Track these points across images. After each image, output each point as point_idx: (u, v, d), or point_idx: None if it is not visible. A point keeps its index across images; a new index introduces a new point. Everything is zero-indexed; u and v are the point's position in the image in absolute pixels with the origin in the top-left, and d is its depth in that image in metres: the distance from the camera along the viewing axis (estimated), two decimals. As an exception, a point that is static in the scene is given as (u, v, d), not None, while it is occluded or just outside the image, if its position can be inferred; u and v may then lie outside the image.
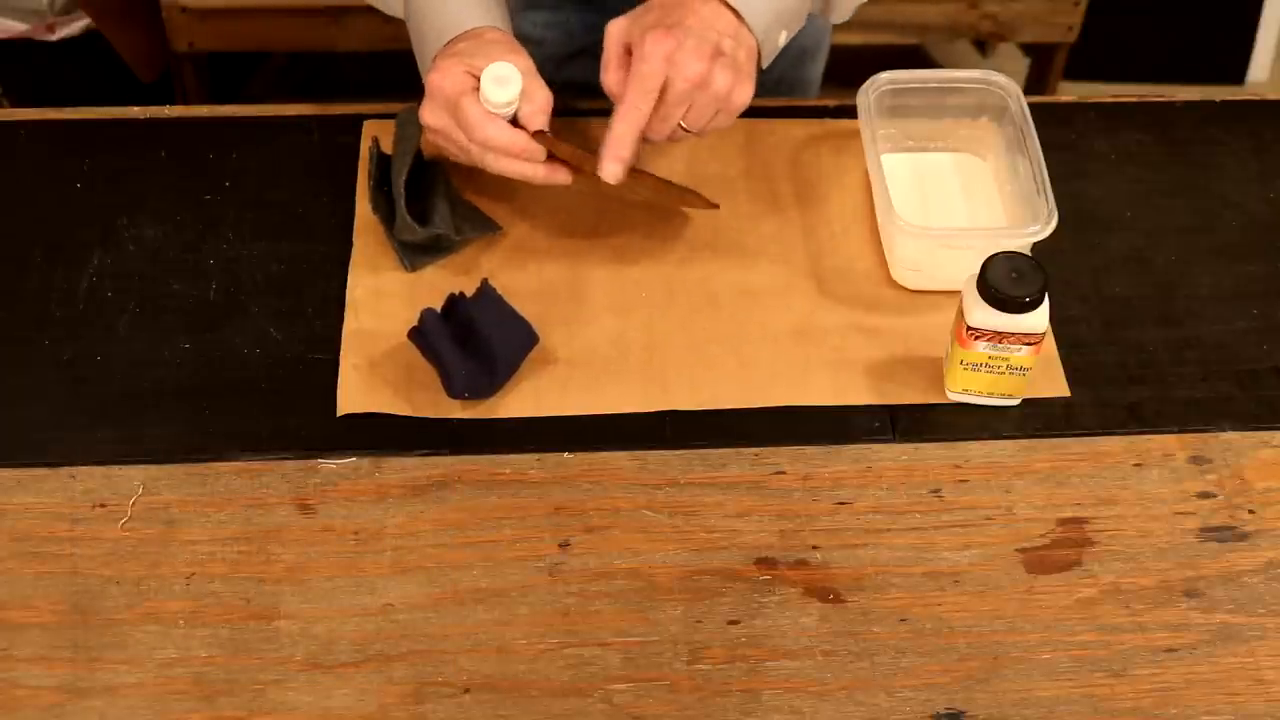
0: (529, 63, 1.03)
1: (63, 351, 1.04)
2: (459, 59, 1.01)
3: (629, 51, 1.02)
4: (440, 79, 1.01)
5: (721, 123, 1.03)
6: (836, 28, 1.39)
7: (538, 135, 1.02)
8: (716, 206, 1.11)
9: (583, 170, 1.04)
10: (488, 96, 1.00)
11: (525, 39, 1.23)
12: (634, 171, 1.06)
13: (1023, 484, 1.00)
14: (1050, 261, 1.01)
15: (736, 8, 1.02)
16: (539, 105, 1.02)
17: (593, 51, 1.32)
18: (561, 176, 1.04)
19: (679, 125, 1.02)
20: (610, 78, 1.02)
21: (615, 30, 1.03)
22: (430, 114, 1.02)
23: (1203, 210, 1.17)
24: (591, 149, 1.03)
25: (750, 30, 1.03)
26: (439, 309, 1.03)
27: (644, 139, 1.02)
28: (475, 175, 1.15)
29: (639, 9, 1.03)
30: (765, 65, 1.06)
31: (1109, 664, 0.91)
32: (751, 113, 1.19)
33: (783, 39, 1.08)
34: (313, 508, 0.97)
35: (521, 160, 1.02)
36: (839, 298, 1.09)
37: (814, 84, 1.41)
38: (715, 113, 1.02)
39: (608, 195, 1.11)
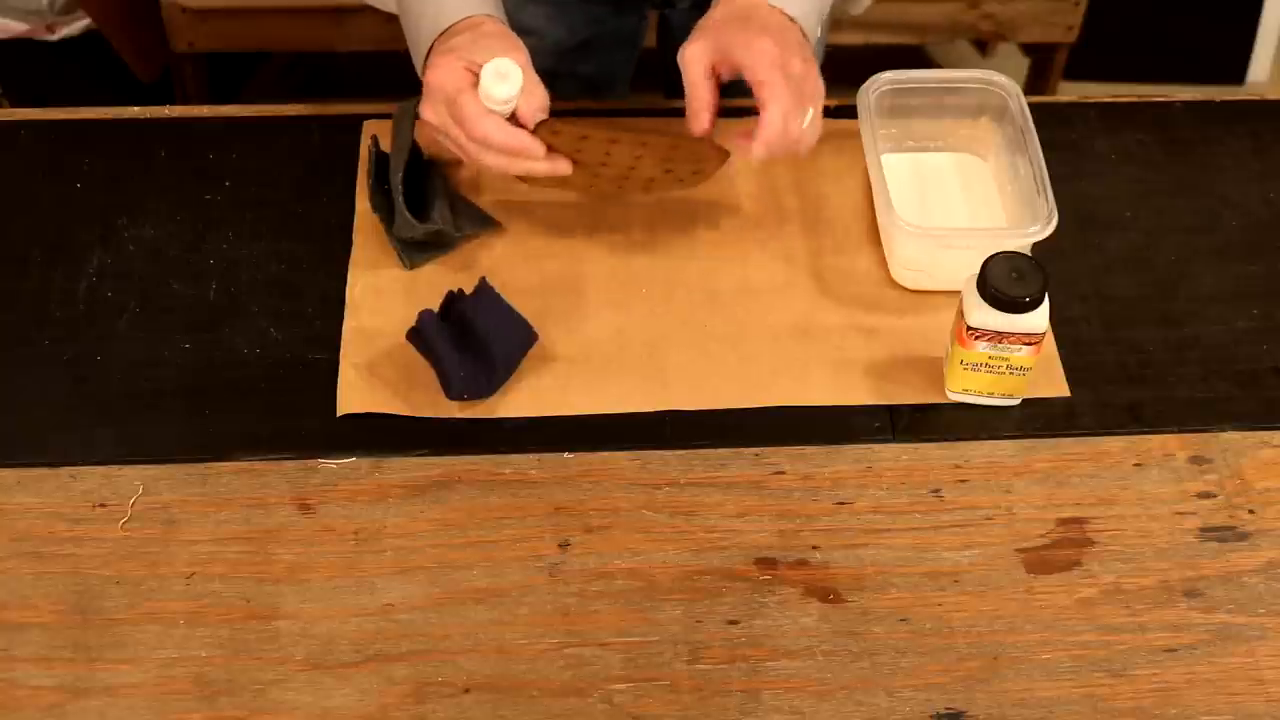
0: (527, 59, 1.02)
1: (63, 351, 1.04)
2: (456, 54, 1.00)
3: (713, 71, 1.02)
4: (439, 76, 1.00)
5: (817, 130, 1.03)
6: (836, 27, 1.39)
7: (540, 125, 1.00)
8: (728, 154, 1.08)
9: (581, 161, 1.04)
10: (488, 92, 0.98)
11: (527, 32, 1.23)
12: (628, 131, 1.04)
13: (1023, 484, 1.00)
14: (1050, 261, 1.01)
15: (799, 21, 1.03)
16: (538, 103, 1.01)
17: (594, 44, 1.33)
18: (563, 167, 1.03)
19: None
20: (699, 97, 1.02)
21: (694, 52, 1.02)
22: (430, 110, 1.01)
23: (1203, 210, 1.17)
24: (592, 133, 1.02)
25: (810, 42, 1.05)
26: (437, 309, 1.02)
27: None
28: (473, 172, 1.15)
29: (709, 27, 1.03)
30: None
31: (1109, 664, 0.91)
32: (752, 112, 1.20)
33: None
34: (313, 508, 0.97)
35: (519, 158, 1.01)
36: (839, 297, 1.09)
37: None
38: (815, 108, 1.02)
39: (605, 193, 1.11)
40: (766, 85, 1.00)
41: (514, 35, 1.04)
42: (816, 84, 1.03)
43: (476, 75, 0.99)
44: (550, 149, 1.02)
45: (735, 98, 1.07)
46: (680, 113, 1.04)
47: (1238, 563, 0.96)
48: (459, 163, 1.15)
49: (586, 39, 1.32)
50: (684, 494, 0.98)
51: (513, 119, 1.01)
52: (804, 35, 1.04)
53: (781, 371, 1.05)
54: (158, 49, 2.09)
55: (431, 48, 1.03)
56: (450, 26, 1.03)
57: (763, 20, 1.02)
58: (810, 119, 1.02)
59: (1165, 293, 1.11)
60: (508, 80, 0.98)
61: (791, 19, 1.03)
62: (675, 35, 1.37)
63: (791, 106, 1.00)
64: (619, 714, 0.88)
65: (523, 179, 1.07)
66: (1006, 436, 1.02)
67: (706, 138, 1.06)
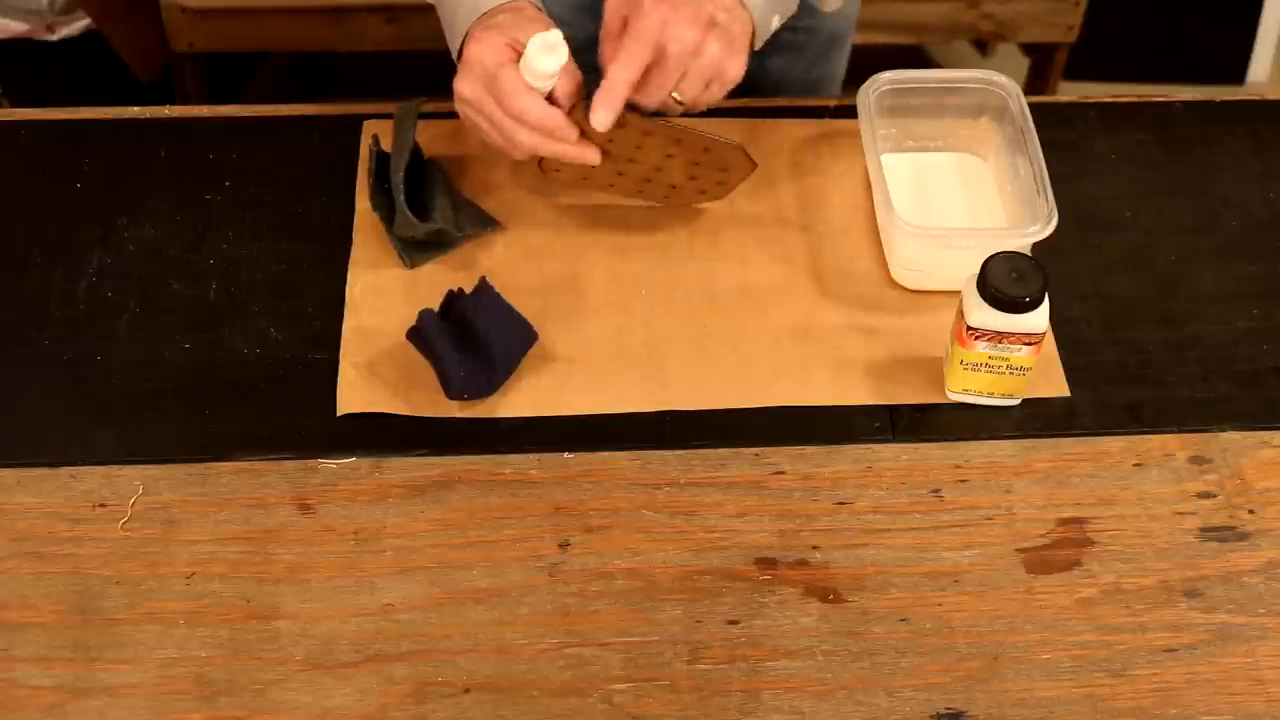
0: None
1: (63, 351, 1.04)
2: (499, 31, 1.00)
3: (626, 24, 1.00)
4: (480, 50, 1.00)
5: (714, 95, 1.02)
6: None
7: (575, 109, 1.00)
8: (755, 166, 1.08)
9: (611, 152, 1.03)
10: (531, 65, 0.98)
11: (558, 23, 1.24)
12: (666, 124, 1.03)
13: (1023, 484, 1.00)
14: (1050, 261, 1.01)
15: (749, 8, 1.02)
16: (575, 86, 1.01)
17: None
18: (591, 155, 1.03)
19: (672, 96, 1.01)
20: (607, 47, 1.01)
21: (613, 3, 1.02)
22: (465, 84, 1.01)
23: (1203, 210, 1.17)
24: (627, 123, 1.01)
25: (747, 9, 1.03)
26: (437, 308, 1.02)
27: (639, 107, 1.01)
28: (475, 172, 1.16)
29: None
30: (758, 47, 1.06)
31: (1109, 664, 0.91)
32: (752, 112, 1.20)
33: (775, 23, 1.08)
34: (313, 508, 0.97)
35: (552, 138, 1.01)
36: (839, 297, 1.09)
37: (838, 80, 1.41)
38: (707, 84, 1.01)
39: (625, 193, 1.11)
40: (621, 48, 0.98)
41: (553, 22, 1.04)
42: (709, 66, 0.99)
43: (518, 53, 0.99)
44: (582, 134, 1.02)
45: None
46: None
47: (1238, 563, 0.96)
48: (459, 163, 1.15)
49: None
50: (684, 494, 0.98)
51: (549, 100, 1.00)
52: (738, 2, 1.02)
53: (781, 372, 1.05)
54: (158, 49, 2.09)
55: (471, 27, 1.03)
56: (490, 9, 1.04)
57: None
58: (673, 100, 1.00)
59: (1165, 293, 1.11)
60: (555, 53, 0.97)
61: (742, 3, 1.02)
62: None
63: (637, 74, 0.98)
64: (619, 714, 0.88)
65: (544, 167, 1.07)
66: (1006, 436, 1.02)
67: (740, 146, 1.06)
